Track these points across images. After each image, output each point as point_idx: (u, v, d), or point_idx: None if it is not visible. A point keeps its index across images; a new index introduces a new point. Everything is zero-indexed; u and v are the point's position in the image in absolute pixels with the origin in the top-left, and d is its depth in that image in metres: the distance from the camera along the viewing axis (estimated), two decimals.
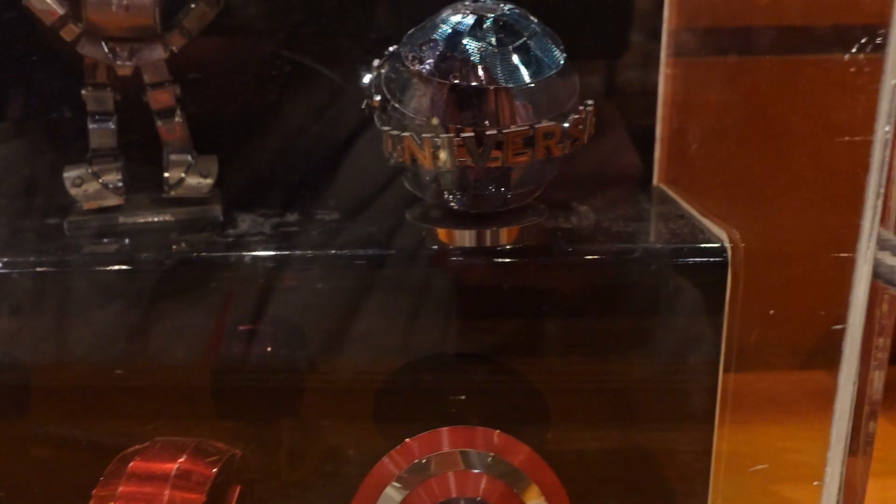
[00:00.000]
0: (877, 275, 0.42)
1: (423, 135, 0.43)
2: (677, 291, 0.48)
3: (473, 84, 0.43)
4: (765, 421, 0.52)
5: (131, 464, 0.39)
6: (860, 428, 0.47)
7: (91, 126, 0.57)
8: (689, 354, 0.50)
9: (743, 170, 0.57)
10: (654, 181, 0.65)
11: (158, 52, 0.57)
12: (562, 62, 0.45)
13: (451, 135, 0.43)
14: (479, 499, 0.44)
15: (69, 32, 0.55)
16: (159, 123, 0.59)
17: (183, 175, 0.58)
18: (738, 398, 0.50)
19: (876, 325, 0.43)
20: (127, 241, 0.55)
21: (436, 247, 0.49)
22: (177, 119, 0.59)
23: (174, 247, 0.52)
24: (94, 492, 0.39)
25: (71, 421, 0.58)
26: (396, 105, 0.45)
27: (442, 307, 0.50)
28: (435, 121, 0.43)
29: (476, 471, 0.45)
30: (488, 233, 0.49)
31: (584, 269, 0.49)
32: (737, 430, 0.50)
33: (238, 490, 0.40)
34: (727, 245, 0.49)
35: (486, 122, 0.43)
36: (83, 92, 0.57)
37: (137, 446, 0.42)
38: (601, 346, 0.50)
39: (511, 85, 0.43)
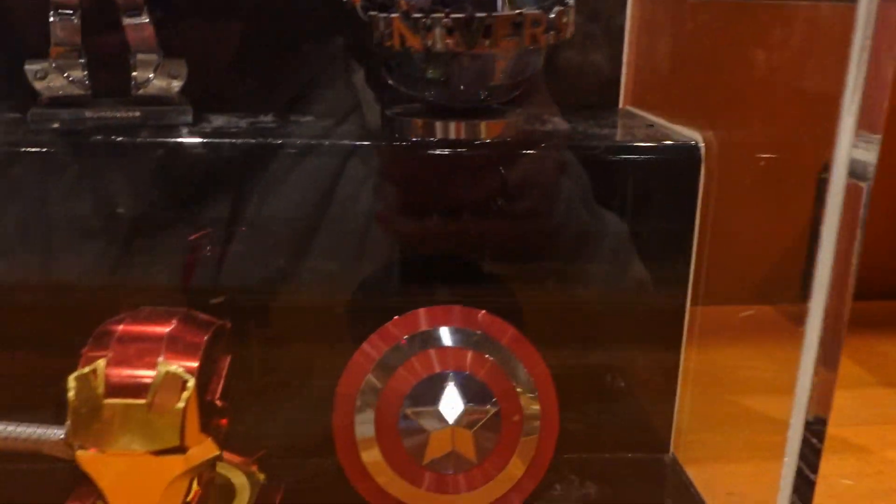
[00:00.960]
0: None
1: (415, 15, 0.43)
2: (655, 189, 0.50)
3: None
4: (734, 304, 0.54)
5: (121, 326, 0.39)
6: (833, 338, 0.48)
7: (53, 19, 0.55)
8: (664, 253, 0.51)
9: (711, 89, 0.58)
10: (621, 104, 0.66)
11: None
12: None
13: (442, 16, 0.43)
14: (466, 373, 0.44)
15: None
16: (126, 21, 0.57)
17: (151, 76, 0.57)
18: (708, 296, 0.52)
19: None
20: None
21: (416, 139, 0.49)
22: (144, 18, 0.57)
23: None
24: (83, 351, 0.38)
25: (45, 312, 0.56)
26: None
27: (423, 203, 0.50)
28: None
29: (461, 347, 0.45)
30: (472, 125, 0.50)
31: (562, 167, 0.50)
32: (707, 320, 0.52)
33: (229, 359, 0.40)
34: (700, 144, 0.50)
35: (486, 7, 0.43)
36: None
37: (124, 313, 0.41)
38: (580, 249, 0.51)
39: None
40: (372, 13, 0.46)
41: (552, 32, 0.46)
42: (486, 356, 0.46)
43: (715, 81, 0.57)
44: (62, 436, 0.37)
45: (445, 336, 0.46)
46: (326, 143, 0.49)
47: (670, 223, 0.51)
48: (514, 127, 0.51)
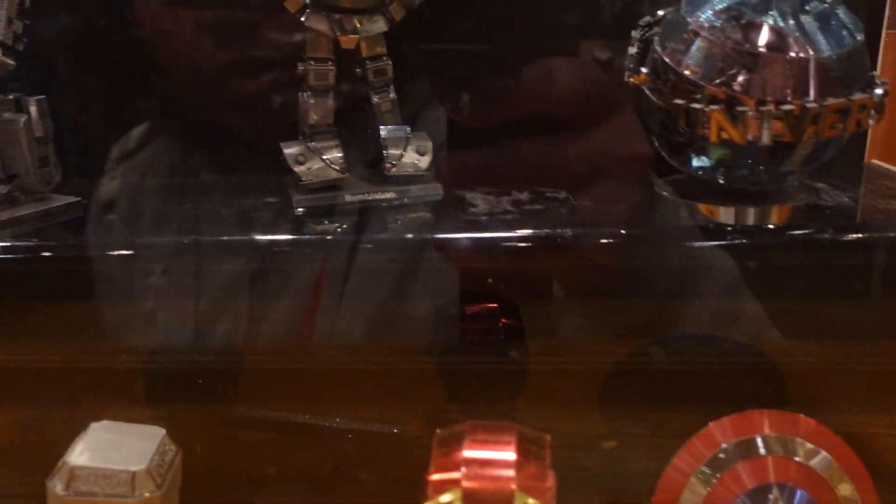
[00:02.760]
0: None
1: (739, 108, 0.41)
2: None
3: (791, 54, 0.41)
4: None
5: (465, 450, 0.38)
6: None
7: (310, 101, 0.55)
8: None
9: None
10: (866, 157, 0.62)
11: (380, 25, 0.55)
12: (861, 29, 0.43)
13: (771, 109, 0.41)
14: (789, 485, 0.43)
15: (294, 3, 0.53)
16: (375, 99, 0.57)
17: (402, 152, 0.57)
18: None
19: None
20: (359, 218, 0.53)
21: (708, 224, 0.47)
22: (391, 94, 0.57)
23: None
24: (428, 477, 0.37)
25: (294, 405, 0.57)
26: (688, 74, 0.43)
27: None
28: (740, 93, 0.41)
29: (784, 456, 0.43)
30: (759, 210, 0.47)
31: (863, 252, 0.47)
32: None
33: (553, 476, 0.39)
34: None
35: (800, 94, 0.41)
36: (301, 66, 0.55)
37: (454, 427, 0.40)
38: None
39: (826, 54, 0.41)
40: (677, 101, 0.44)
41: (875, 115, 0.43)
42: (812, 467, 0.44)
43: None
44: None
45: (770, 443, 0.44)
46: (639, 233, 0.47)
47: None
48: (803, 210, 0.48)
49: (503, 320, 0.56)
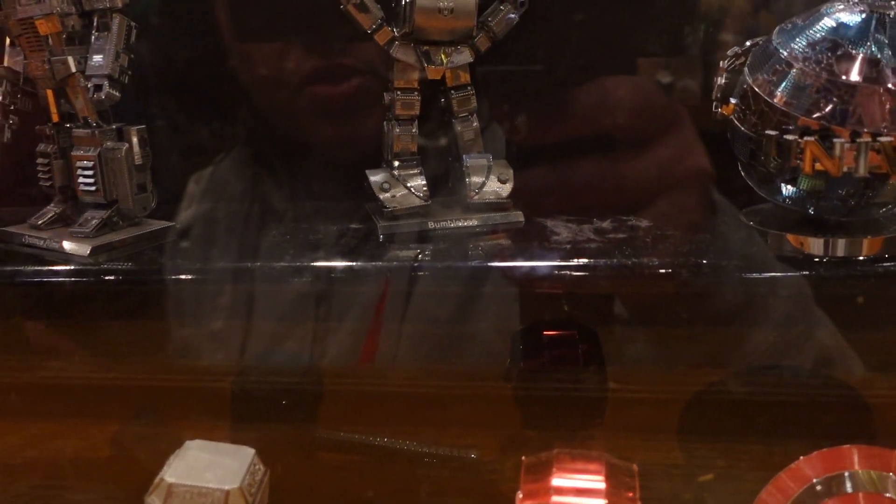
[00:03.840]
0: None
1: (834, 139, 0.41)
2: None
3: (889, 85, 0.40)
4: None
5: (554, 478, 0.38)
6: None
7: (395, 130, 0.57)
8: None
9: None
10: None
11: (466, 56, 0.56)
12: None
13: (869, 140, 0.40)
14: None
15: (383, 36, 0.54)
16: (458, 128, 0.58)
17: (484, 179, 0.57)
18: None
19: None
20: (443, 245, 0.53)
21: (797, 255, 0.47)
22: (475, 123, 0.58)
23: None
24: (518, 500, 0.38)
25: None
26: (781, 105, 0.43)
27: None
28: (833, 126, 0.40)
29: (874, 493, 0.42)
30: (849, 242, 0.47)
31: None
32: None
33: None
34: None
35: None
36: (388, 96, 0.56)
37: (541, 455, 0.40)
38: None
39: None
40: (769, 132, 0.44)
41: None
42: None
43: None
44: None
45: (860, 480, 0.43)
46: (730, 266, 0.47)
47: None
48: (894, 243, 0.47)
49: (582, 347, 0.56)
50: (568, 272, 0.47)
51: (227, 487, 0.42)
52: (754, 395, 0.58)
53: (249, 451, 0.45)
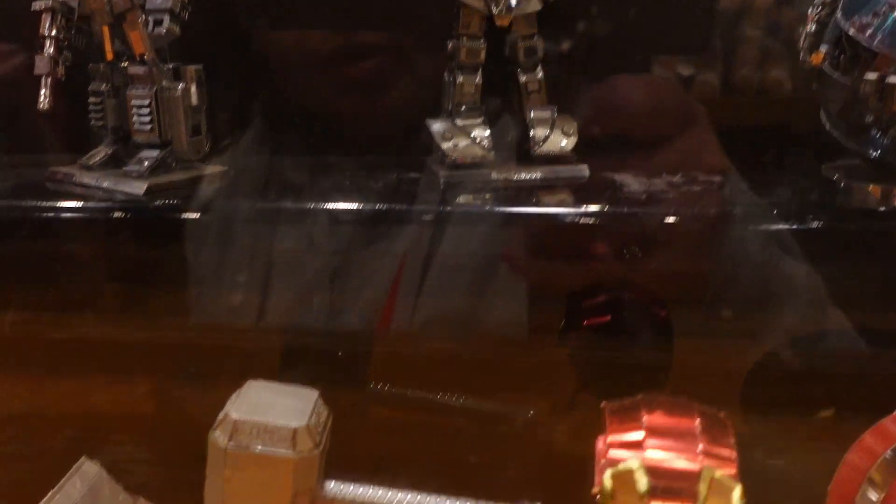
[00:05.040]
0: None
1: None
2: None
3: None
4: None
5: (645, 417, 0.36)
6: None
7: (459, 79, 0.55)
8: None
9: None
10: None
11: (534, 4, 0.54)
12: None
13: None
14: None
15: None
16: (523, 78, 0.56)
17: (548, 132, 0.56)
18: None
19: None
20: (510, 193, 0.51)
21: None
22: (539, 74, 0.56)
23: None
24: (605, 441, 0.36)
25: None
26: (882, 48, 0.41)
27: None
28: None
29: None
30: None
31: None
32: None
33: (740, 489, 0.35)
34: None
35: None
36: (451, 43, 0.55)
37: (624, 400, 0.39)
38: None
39: None
40: (869, 76, 0.42)
41: None
42: None
43: None
44: None
45: None
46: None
47: None
48: None
49: (654, 311, 0.55)
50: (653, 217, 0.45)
51: (294, 425, 0.40)
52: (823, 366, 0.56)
53: (314, 393, 0.43)
